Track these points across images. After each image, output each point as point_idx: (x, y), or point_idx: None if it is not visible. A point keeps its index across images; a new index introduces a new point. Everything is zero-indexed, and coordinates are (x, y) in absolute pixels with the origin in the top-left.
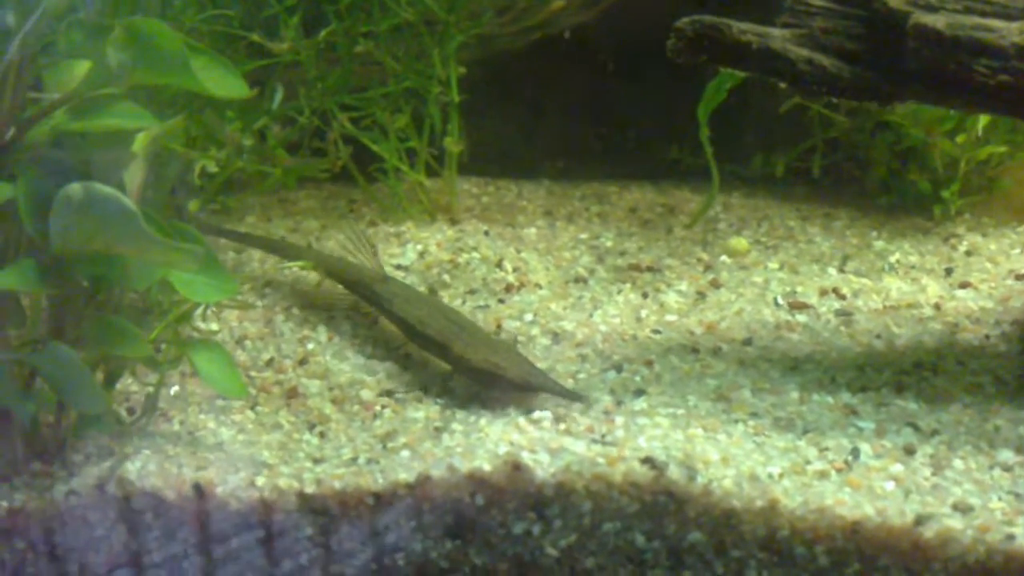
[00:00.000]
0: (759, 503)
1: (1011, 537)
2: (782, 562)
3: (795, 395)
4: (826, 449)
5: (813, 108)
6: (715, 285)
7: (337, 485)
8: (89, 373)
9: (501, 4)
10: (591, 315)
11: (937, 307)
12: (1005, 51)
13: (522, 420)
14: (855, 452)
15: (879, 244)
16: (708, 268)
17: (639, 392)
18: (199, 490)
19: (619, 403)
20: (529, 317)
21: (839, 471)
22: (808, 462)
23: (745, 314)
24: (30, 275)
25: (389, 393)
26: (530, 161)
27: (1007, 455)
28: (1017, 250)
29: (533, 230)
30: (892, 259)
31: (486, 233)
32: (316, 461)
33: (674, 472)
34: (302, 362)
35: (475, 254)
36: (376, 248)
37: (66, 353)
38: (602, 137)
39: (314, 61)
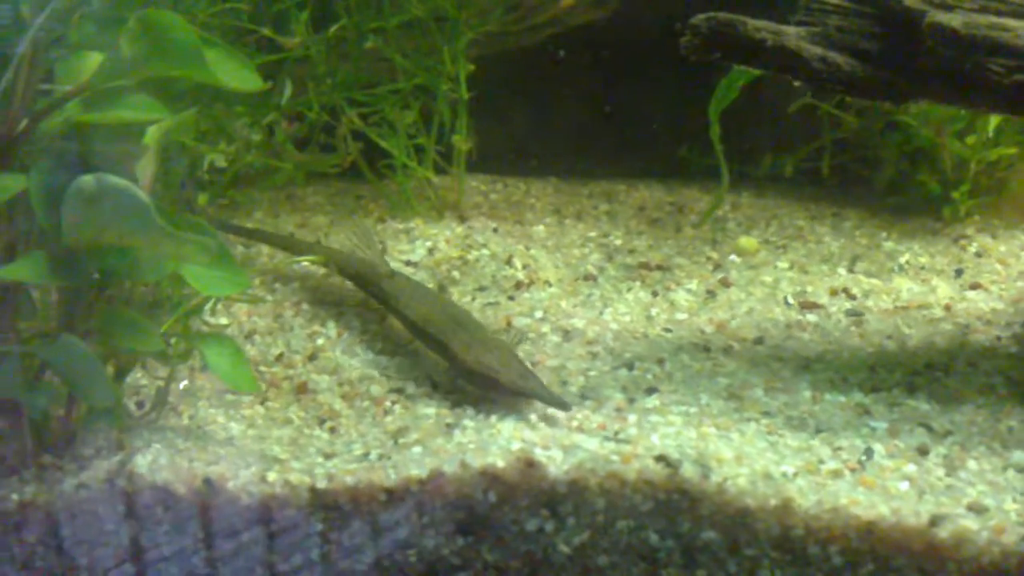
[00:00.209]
0: (773, 502)
1: None
2: (796, 561)
3: (807, 394)
4: (839, 449)
5: (822, 108)
6: (725, 284)
7: (349, 480)
8: (100, 366)
9: (511, 1)
10: (601, 313)
11: (948, 308)
12: (1021, 51)
13: (534, 417)
14: (869, 452)
15: (888, 245)
16: (718, 267)
17: (651, 390)
18: (210, 485)
19: (631, 401)
20: (539, 314)
21: (853, 471)
22: (822, 461)
23: (755, 313)
24: (41, 267)
25: (399, 390)
26: (538, 159)
27: (1021, 456)
28: None
29: (542, 227)
30: (902, 260)
31: (495, 230)
32: (327, 456)
33: (688, 470)
34: (312, 357)
35: (484, 251)
36: (383, 244)
37: (77, 346)
38: (610, 135)
39: (324, 57)
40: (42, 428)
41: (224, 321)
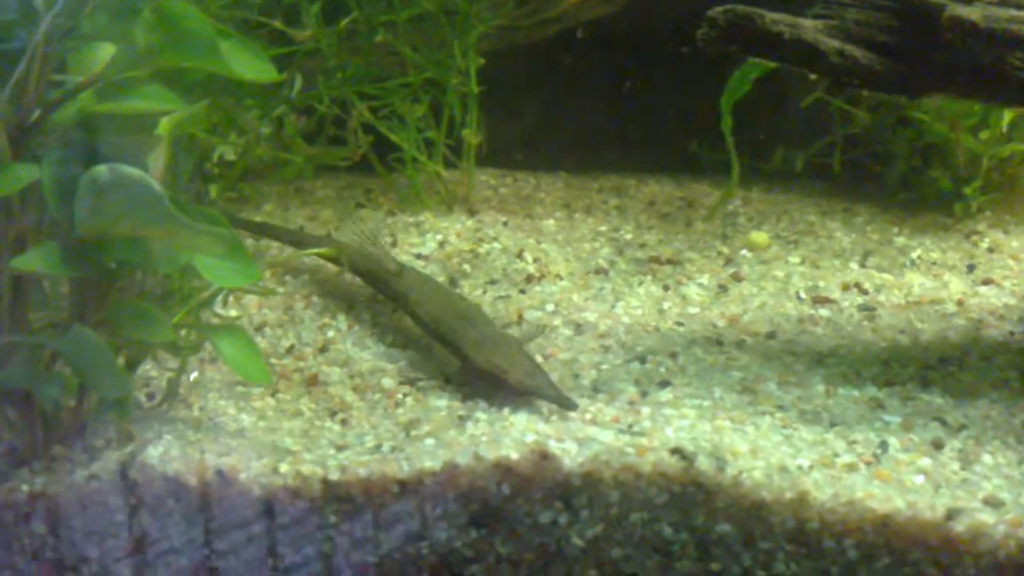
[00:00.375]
0: (789, 495)
1: None
2: (811, 555)
3: (821, 388)
4: (854, 442)
5: (833, 103)
6: (736, 279)
7: (362, 472)
8: (112, 357)
9: None
10: (613, 306)
11: (960, 303)
12: None
13: (547, 410)
14: (883, 446)
15: (900, 240)
16: (729, 262)
17: (664, 383)
18: (222, 476)
19: (644, 394)
20: (551, 308)
21: (868, 464)
22: (837, 455)
23: (768, 308)
24: (54, 258)
25: (411, 381)
26: (547, 153)
27: None
28: None
29: (552, 222)
30: (913, 255)
31: (505, 224)
32: (339, 448)
33: (703, 463)
34: (322, 350)
35: (495, 244)
36: (393, 238)
37: (89, 337)
38: (620, 130)
39: (334, 50)
40: (53, 419)
41: (234, 313)
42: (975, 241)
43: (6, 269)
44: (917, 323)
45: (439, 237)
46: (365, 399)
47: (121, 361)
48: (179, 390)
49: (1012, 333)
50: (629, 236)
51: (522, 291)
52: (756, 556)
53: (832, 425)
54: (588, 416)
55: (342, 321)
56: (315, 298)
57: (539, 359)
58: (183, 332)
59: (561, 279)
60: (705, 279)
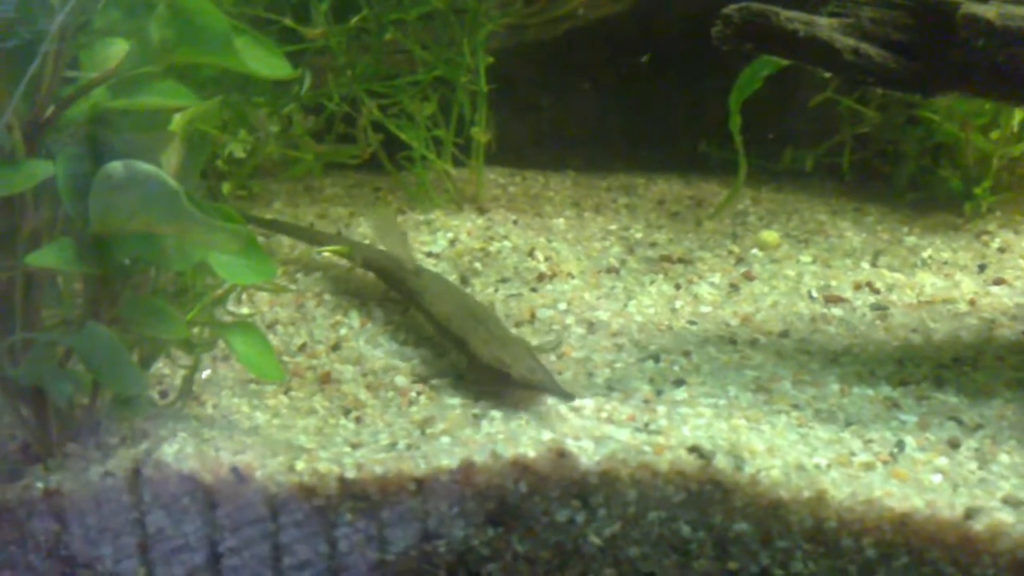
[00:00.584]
0: (807, 494)
1: None
2: (829, 553)
3: (835, 387)
4: (870, 441)
5: (843, 103)
6: (748, 278)
7: (378, 470)
8: (127, 354)
9: None
10: (625, 305)
11: (972, 303)
12: None
13: (563, 408)
14: (900, 444)
15: (910, 240)
16: (740, 261)
17: (679, 382)
18: (238, 473)
19: (659, 392)
20: (563, 306)
21: (885, 463)
22: (853, 454)
23: (780, 307)
24: (68, 254)
25: (424, 379)
26: (556, 152)
27: None
28: None
29: (561, 220)
30: (924, 255)
31: (515, 222)
32: (354, 446)
33: (721, 461)
34: (335, 347)
35: (506, 243)
36: (407, 237)
37: (104, 334)
38: (628, 128)
39: (344, 48)
40: (66, 416)
41: (246, 311)
42: (985, 241)
43: (20, 265)
44: (930, 322)
45: (450, 235)
46: (379, 397)
47: (135, 358)
48: (192, 388)
49: None
50: (639, 235)
51: (534, 289)
52: (774, 555)
53: (848, 424)
54: (604, 415)
55: (354, 319)
56: (327, 296)
57: (552, 357)
58: (196, 329)
59: (573, 278)
60: (717, 278)
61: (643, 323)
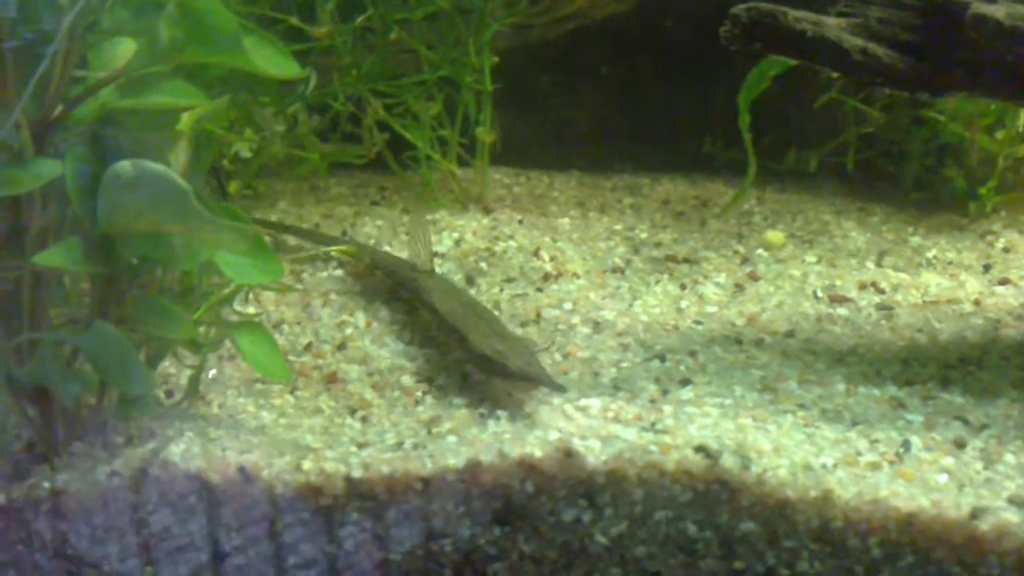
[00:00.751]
0: (813, 493)
1: None
2: (835, 553)
3: (841, 387)
4: (876, 441)
5: (848, 103)
6: (753, 278)
7: (385, 470)
8: (134, 353)
9: None
10: (631, 305)
11: (977, 303)
12: None
13: (569, 407)
14: (906, 444)
15: (915, 240)
16: (745, 261)
17: (685, 381)
18: (244, 473)
19: (665, 392)
20: (568, 306)
21: (891, 463)
22: (860, 454)
23: (785, 306)
24: (76, 254)
25: (429, 380)
26: (561, 151)
27: None
28: None
29: (566, 220)
30: (929, 255)
31: (520, 222)
32: (360, 446)
33: (728, 461)
34: (341, 347)
35: (511, 243)
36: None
37: (112, 333)
38: (633, 128)
39: (349, 47)
40: (73, 416)
41: (252, 310)
42: (990, 241)
43: (28, 265)
44: (935, 322)
45: (455, 235)
46: (384, 397)
47: (141, 358)
48: (199, 387)
49: None
50: (644, 235)
51: (539, 289)
52: (780, 554)
53: (854, 424)
54: (610, 414)
55: (360, 318)
56: (333, 295)
57: (558, 357)
58: (203, 329)
59: (578, 277)
60: (722, 278)
61: (649, 323)
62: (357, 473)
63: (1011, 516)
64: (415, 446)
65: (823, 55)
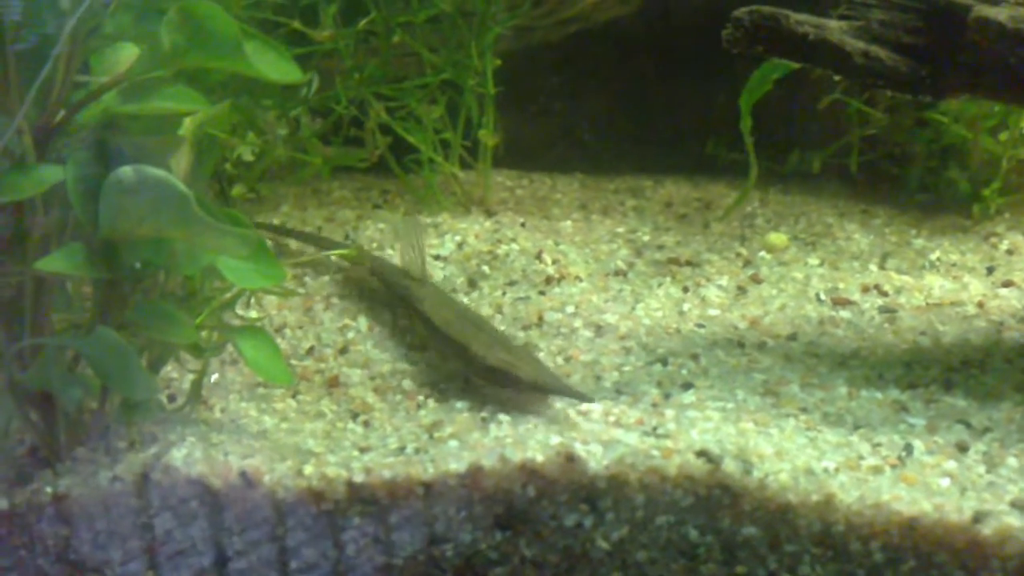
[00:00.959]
0: (815, 498)
1: None
2: (837, 557)
3: (844, 391)
4: (879, 445)
5: (851, 105)
6: (755, 280)
7: (386, 474)
8: (137, 359)
9: None
10: (633, 308)
11: (980, 305)
12: None
13: (571, 412)
14: (908, 448)
15: (919, 242)
16: (748, 263)
17: (687, 385)
18: (246, 478)
19: (667, 396)
20: (571, 309)
21: (893, 467)
22: (862, 457)
23: (788, 309)
24: (78, 259)
25: (432, 383)
26: (563, 154)
27: None
28: None
29: (569, 223)
30: (932, 257)
31: (523, 225)
32: (362, 450)
33: (729, 465)
34: (343, 351)
35: (514, 245)
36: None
37: (114, 338)
38: (635, 131)
39: (352, 51)
40: (75, 421)
41: (255, 314)
42: (994, 243)
43: (30, 270)
44: (938, 325)
45: (457, 238)
46: (387, 401)
47: (143, 362)
48: (201, 392)
49: None
50: (647, 238)
51: (542, 292)
52: (782, 559)
53: (856, 427)
54: (612, 418)
55: (362, 323)
56: (334, 299)
57: (560, 361)
58: (205, 333)
59: (580, 280)
60: (724, 281)
61: (651, 326)
62: (359, 478)
63: (1013, 520)
64: (417, 450)
65: (825, 58)
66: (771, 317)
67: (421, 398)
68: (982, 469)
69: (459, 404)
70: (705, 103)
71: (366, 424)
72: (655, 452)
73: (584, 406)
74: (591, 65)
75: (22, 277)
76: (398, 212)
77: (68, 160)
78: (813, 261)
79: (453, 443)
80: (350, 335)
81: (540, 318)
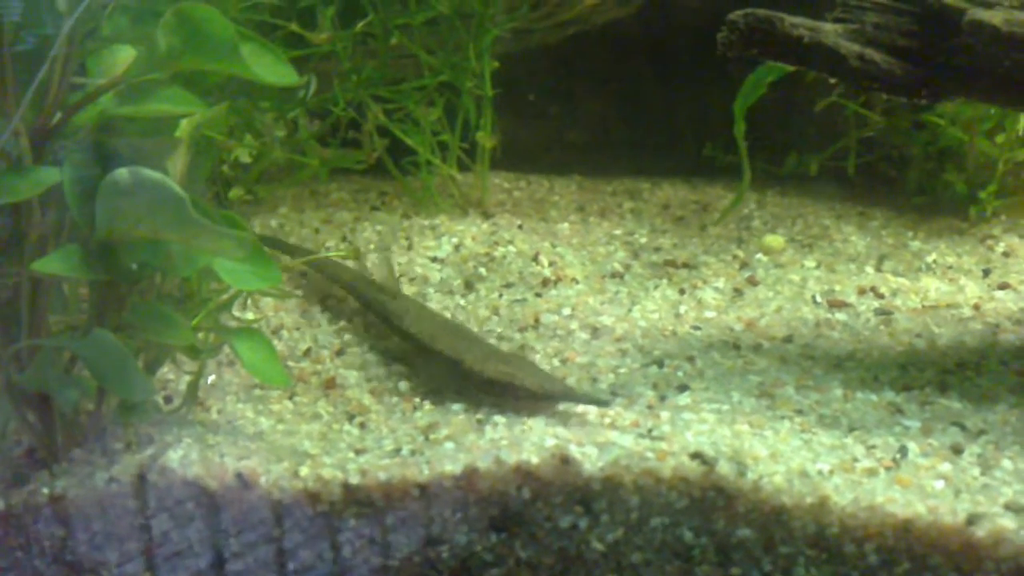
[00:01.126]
0: (809, 500)
1: None
2: (831, 559)
3: (839, 393)
4: (873, 447)
5: (848, 107)
6: (752, 282)
7: (382, 476)
8: (133, 360)
9: None
10: (629, 310)
11: (976, 307)
12: None
13: (567, 414)
14: (903, 450)
15: (915, 244)
16: (744, 265)
17: (682, 387)
18: (242, 479)
19: (663, 398)
20: (567, 311)
21: (888, 469)
22: (856, 460)
23: (784, 311)
24: (74, 261)
25: (428, 385)
26: (560, 156)
27: None
28: None
29: (566, 225)
30: (929, 259)
31: (520, 227)
32: (358, 452)
33: (724, 467)
34: (339, 353)
35: (510, 248)
36: (410, 241)
37: (110, 340)
38: (633, 133)
39: (349, 53)
40: (72, 422)
41: (251, 316)
42: (990, 245)
43: (26, 272)
44: (934, 327)
45: (454, 240)
46: (383, 402)
47: (140, 364)
48: (197, 393)
49: None
50: (644, 240)
51: (538, 294)
52: (776, 561)
53: (851, 430)
54: (607, 420)
55: (359, 324)
56: (331, 301)
57: (556, 363)
58: (201, 335)
59: (577, 282)
60: (721, 283)
61: (647, 328)
62: (355, 479)
63: (1007, 522)
64: (412, 452)
65: (820, 61)
66: (767, 319)
67: (417, 400)
68: (977, 471)
69: (455, 406)
70: (703, 105)
71: (362, 426)
72: (650, 454)
73: (580, 407)
74: (589, 67)
75: (19, 278)
76: (396, 214)
77: (65, 162)
78: (809, 263)
79: (449, 445)
80: (347, 336)
81: (536, 320)
